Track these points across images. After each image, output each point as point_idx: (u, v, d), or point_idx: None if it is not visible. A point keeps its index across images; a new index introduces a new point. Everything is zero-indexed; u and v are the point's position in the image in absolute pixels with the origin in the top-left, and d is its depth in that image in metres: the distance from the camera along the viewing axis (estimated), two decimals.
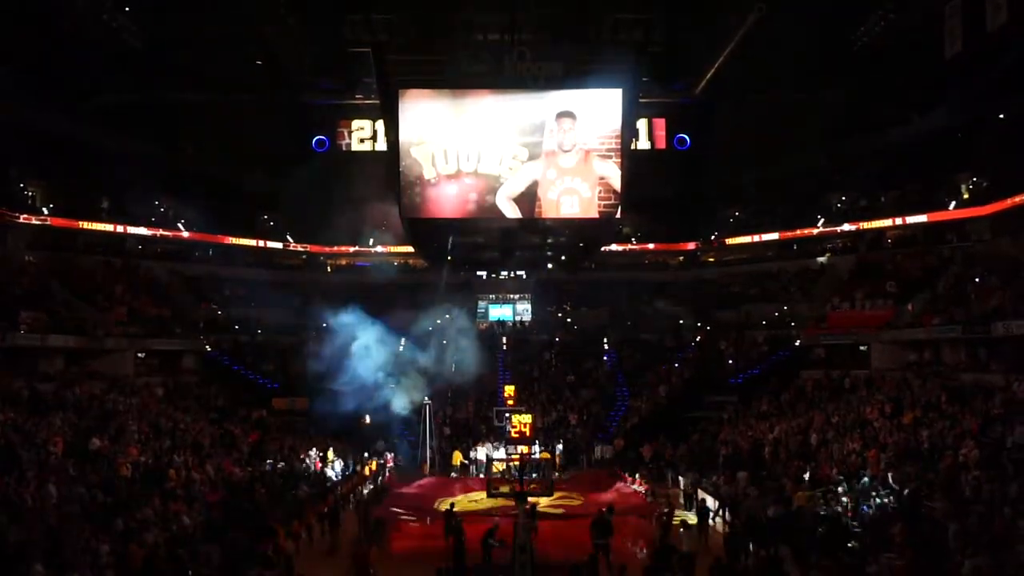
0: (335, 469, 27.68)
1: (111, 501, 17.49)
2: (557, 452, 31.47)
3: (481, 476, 28.41)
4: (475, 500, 25.04)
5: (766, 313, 39.89)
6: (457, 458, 30.98)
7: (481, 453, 30.57)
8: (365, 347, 31.09)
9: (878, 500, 18.16)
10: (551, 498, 24.45)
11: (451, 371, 35.29)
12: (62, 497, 16.70)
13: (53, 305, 31.14)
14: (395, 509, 23.94)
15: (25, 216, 34.74)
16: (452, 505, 20.29)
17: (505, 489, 25.61)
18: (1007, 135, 32.01)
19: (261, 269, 44.57)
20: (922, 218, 36.77)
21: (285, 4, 29.13)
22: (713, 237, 46.80)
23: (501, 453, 29.66)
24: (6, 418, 20.85)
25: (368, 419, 31.87)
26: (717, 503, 21.94)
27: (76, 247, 37.31)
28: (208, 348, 36.11)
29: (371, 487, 26.32)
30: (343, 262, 49.32)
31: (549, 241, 36.62)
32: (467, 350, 35.31)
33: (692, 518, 20.69)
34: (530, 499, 21.33)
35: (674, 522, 19.43)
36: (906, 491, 17.70)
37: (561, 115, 29.38)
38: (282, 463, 26.31)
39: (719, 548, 17.18)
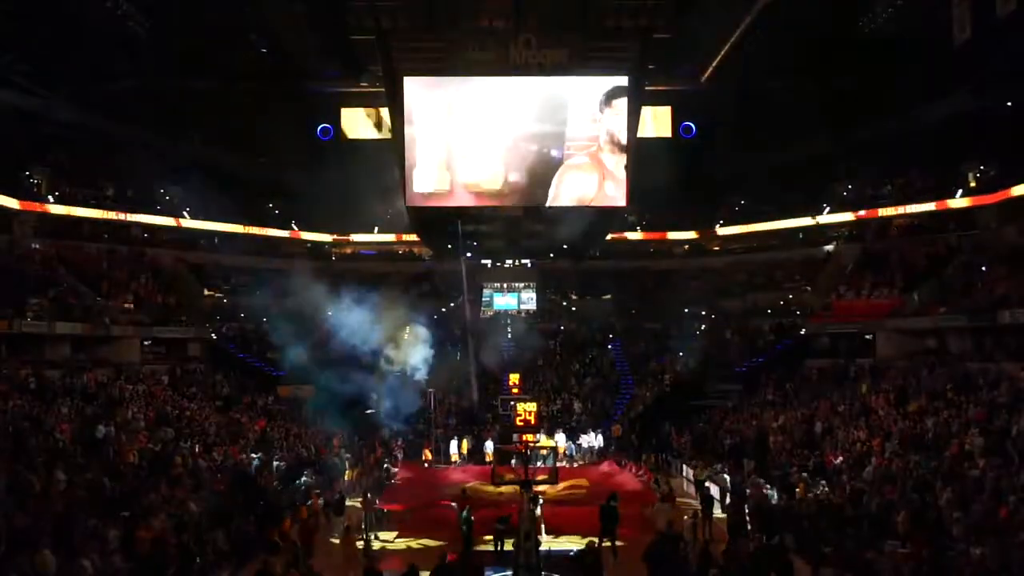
0: (340, 457, 27.76)
1: (118, 488, 17.59)
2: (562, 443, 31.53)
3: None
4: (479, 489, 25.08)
5: (771, 302, 39.80)
6: (464, 447, 31.12)
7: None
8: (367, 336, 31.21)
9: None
10: (556, 486, 24.53)
11: (457, 359, 35.35)
12: (70, 483, 16.79)
13: (59, 292, 31.22)
14: (400, 497, 24.04)
15: (31, 204, 34.77)
16: (464, 492, 20.33)
17: (510, 477, 25.77)
18: (1015, 123, 31.79)
19: (266, 257, 44.61)
20: (929, 206, 36.56)
21: None
22: (718, 225, 46.67)
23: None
24: (14, 405, 20.96)
25: (373, 408, 31.96)
26: (720, 491, 21.97)
27: (82, 235, 37.38)
28: (214, 336, 36.19)
29: (375, 475, 26.39)
30: (348, 250, 49.31)
31: (554, 229, 36.57)
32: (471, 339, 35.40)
33: (695, 506, 20.69)
34: (535, 488, 21.40)
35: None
36: (911, 480, 17.71)
37: (570, 102, 29.24)
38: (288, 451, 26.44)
39: (723, 536, 17.20)
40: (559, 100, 28.95)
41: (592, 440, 31.35)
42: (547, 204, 30.23)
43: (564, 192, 29.22)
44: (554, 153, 29.27)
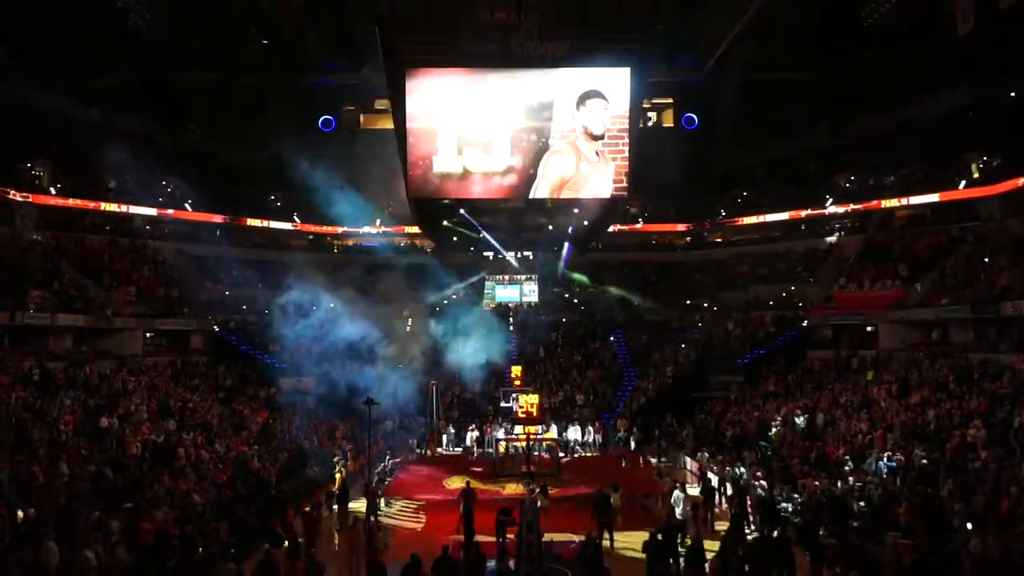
0: (342, 448, 27.78)
1: (121, 479, 17.64)
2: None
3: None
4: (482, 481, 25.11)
5: (774, 293, 39.78)
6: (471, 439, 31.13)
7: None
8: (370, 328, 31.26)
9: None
10: (559, 479, 24.58)
11: (459, 352, 35.31)
12: (73, 475, 16.85)
13: (62, 284, 31.26)
14: (405, 487, 24.11)
15: (32, 196, 34.77)
16: (468, 483, 20.38)
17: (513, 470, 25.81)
18: (1018, 114, 31.71)
19: (268, 249, 44.61)
20: (933, 197, 36.40)
21: None
22: (721, 217, 46.59)
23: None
24: (17, 397, 21.02)
25: (374, 399, 31.90)
26: (719, 481, 22.03)
27: (84, 227, 37.39)
28: (216, 328, 36.23)
29: (379, 467, 26.43)
30: (350, 242, 49.26)
31: (556, 222, 36.62)
32: (474, 331, 35.36)
33: (698, 498, 20.72)
34: (538, 479, 21.46)
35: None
36: (913, 471, 17.72)
37: (573, 96, 29.41)
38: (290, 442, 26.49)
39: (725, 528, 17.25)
40: (547, 98, 29.40)
41: (578, 433, 31.23)
42: (535, 183, 30.54)
43: (549, 172, 29.85)
44: (543, 140, 29.88)
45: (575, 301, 44.95)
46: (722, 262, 45.33)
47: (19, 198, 34.03)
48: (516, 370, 33.87)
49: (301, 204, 46.34)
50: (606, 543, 16.61)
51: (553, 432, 30.13)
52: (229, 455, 22.64)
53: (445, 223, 37.21)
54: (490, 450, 29.56)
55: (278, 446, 25.72)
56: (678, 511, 17.64)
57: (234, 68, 35.92)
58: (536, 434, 28.31)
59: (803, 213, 42.30)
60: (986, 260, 30.47)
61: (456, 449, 31.00)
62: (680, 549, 15.15)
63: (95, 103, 36.40)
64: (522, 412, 29.08)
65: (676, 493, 18.33)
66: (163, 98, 38.02)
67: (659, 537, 14.62)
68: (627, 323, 41.44)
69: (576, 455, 29.91)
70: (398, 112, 31.32)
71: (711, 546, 14.69)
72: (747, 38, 30.87)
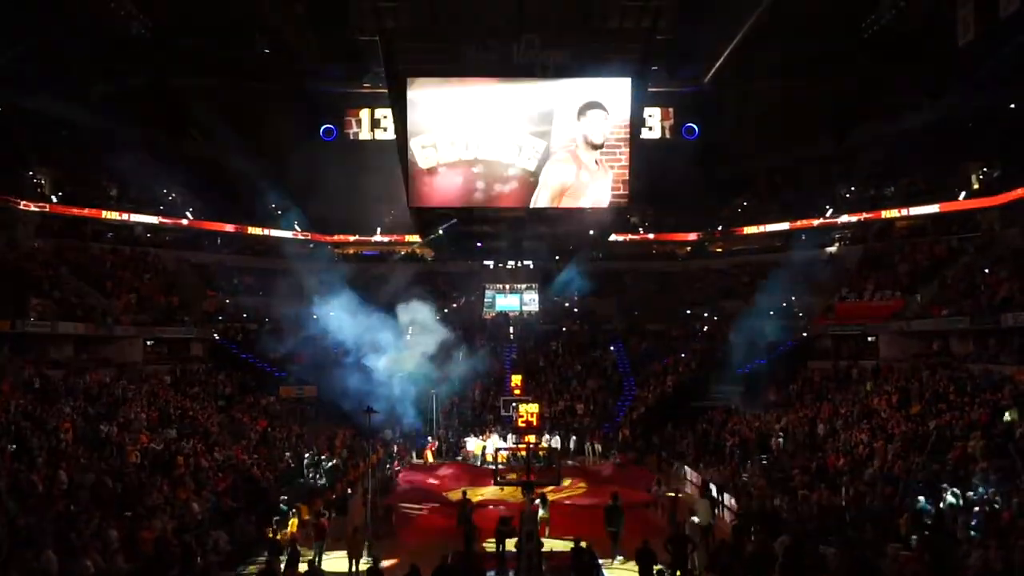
0: (341, 457, 27.71)
1: (120, 487, 17.60)
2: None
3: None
4: (483, 491, 25.04)
5: (774, 303, 39.68)
6: (479, 448, 30.95)
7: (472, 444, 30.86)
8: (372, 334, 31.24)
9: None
10: (558, 488, 24.53)
11: (459, 361, 35.30)
12: (72, 483, 16.82)
13: (62, 292, 31.27)
14: (404, 497, 24.05)
15: (33, 203, 34.81)
16: (465, 493, 20.32)
17: (513, 478, 25.77)
18: (1018, 124, 31.77)
19: (269, 257, 44.64)
20: (933, 208, 36.45)
21: None
22: (721, 227, 46.60)
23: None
24: (17, 404, 21.00)
25: (375, 408, 31.89)
26: (716, 490, 21.98)
27: (84, 234, 37.42)
28: (216, 336, 36.20)
29: (379, 475, 26.37)
30: (350, 251, 49.30)
31: (557, 231, 36.65)
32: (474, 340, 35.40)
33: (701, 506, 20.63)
34: (537, 489, 21.43)
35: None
36: (914, 482, 17.67)
37: (574, 106, 29.53)
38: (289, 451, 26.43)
39: (727, 536, 17.18)
40: (548, 108, 29.54)
41: (557, 442, 31.01)
42: (535, 192, 30.63)
43: (549, 181, 29.98)
44: (544, 150, 30.02)
45: (575, 310, 44.93)
46: (723, 271, 45.31)
47: (23, 206, 34.10)
48: (516, 379, 33.77)
49: (302, 212, 46.43)
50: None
51: (545, 441, 30.05)
52: (228, 463, 22.58)
53: (443, 232, 37.19)
54: (490, 459, 29.45)
55: (277, 454, 25.65)
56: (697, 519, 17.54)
57: (237, 75, 36.00)
58: (535, 443, 28.26)
59: (814, 222, 42.00)
60: (986, 271, 30.47)
61: (456, 458, 30.93)
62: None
63: (97, 110, 36.46)
64: (522, 421, 29.00)
65: (696, 500, 18.31)
66: (165, 105, 38.09)
67: (669, 548, 14.60)
68: (627, 332, 41.40)
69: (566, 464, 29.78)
70: (399, 121, 31.41)
71: None
72: (748, 48, 30.96)
